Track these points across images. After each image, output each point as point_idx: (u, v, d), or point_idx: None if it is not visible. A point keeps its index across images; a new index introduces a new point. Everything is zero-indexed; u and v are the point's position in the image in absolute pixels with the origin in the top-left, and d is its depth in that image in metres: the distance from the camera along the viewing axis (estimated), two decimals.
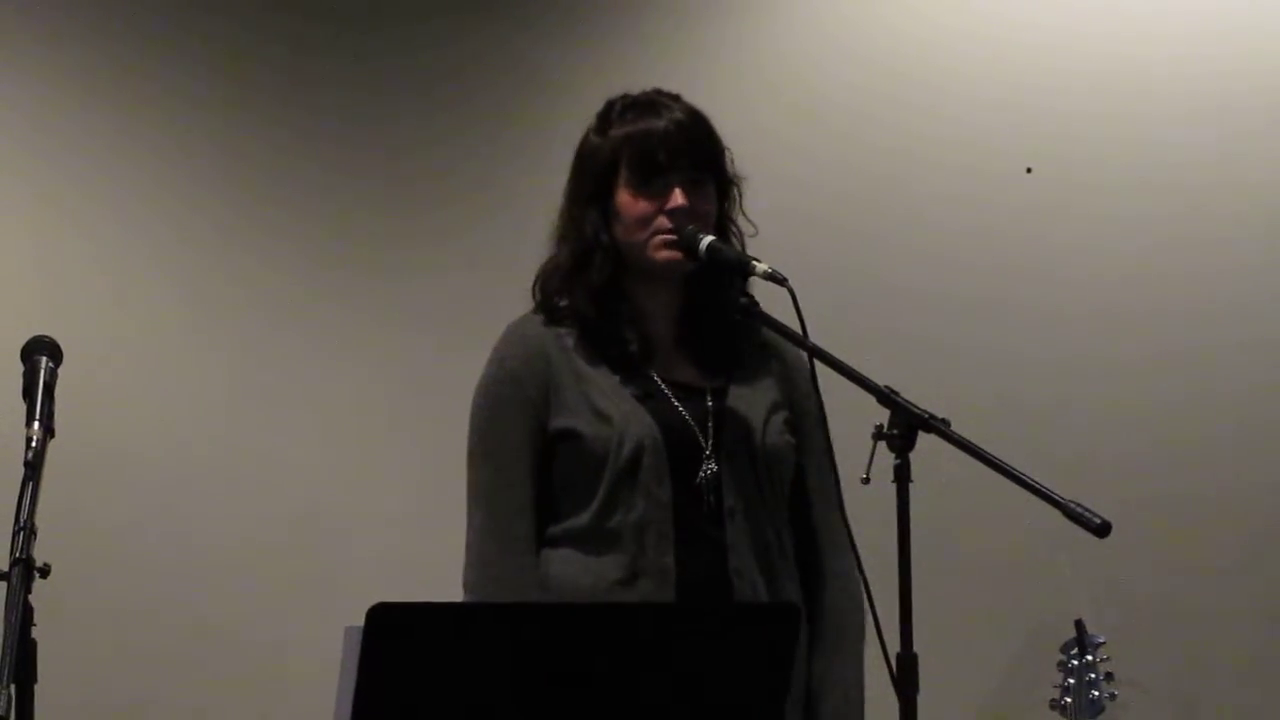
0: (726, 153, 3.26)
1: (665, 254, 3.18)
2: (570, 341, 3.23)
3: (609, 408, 3.18)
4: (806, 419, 3.27)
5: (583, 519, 3.18)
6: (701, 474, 3.18)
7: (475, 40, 5.04)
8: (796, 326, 3.12)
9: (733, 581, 3.15)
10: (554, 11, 5.05)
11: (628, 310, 3.23)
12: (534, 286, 3.28)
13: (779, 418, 3.25)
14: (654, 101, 3.24)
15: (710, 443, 3.19)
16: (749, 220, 3.29)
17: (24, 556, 2.70)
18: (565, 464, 3.20)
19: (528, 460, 3.20)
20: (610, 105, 3.28)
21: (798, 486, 3.28)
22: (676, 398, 3.21)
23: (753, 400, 3.24)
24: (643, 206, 3.18)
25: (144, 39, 5.00)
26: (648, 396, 3.20)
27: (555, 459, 3.21)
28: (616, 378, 3.21)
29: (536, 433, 3.20)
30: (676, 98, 3.27)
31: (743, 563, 3.16)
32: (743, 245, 3.27)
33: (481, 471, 3.22)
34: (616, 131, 3.22)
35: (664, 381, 3.23)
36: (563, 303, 3.24)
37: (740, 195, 3.28)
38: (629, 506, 3.16)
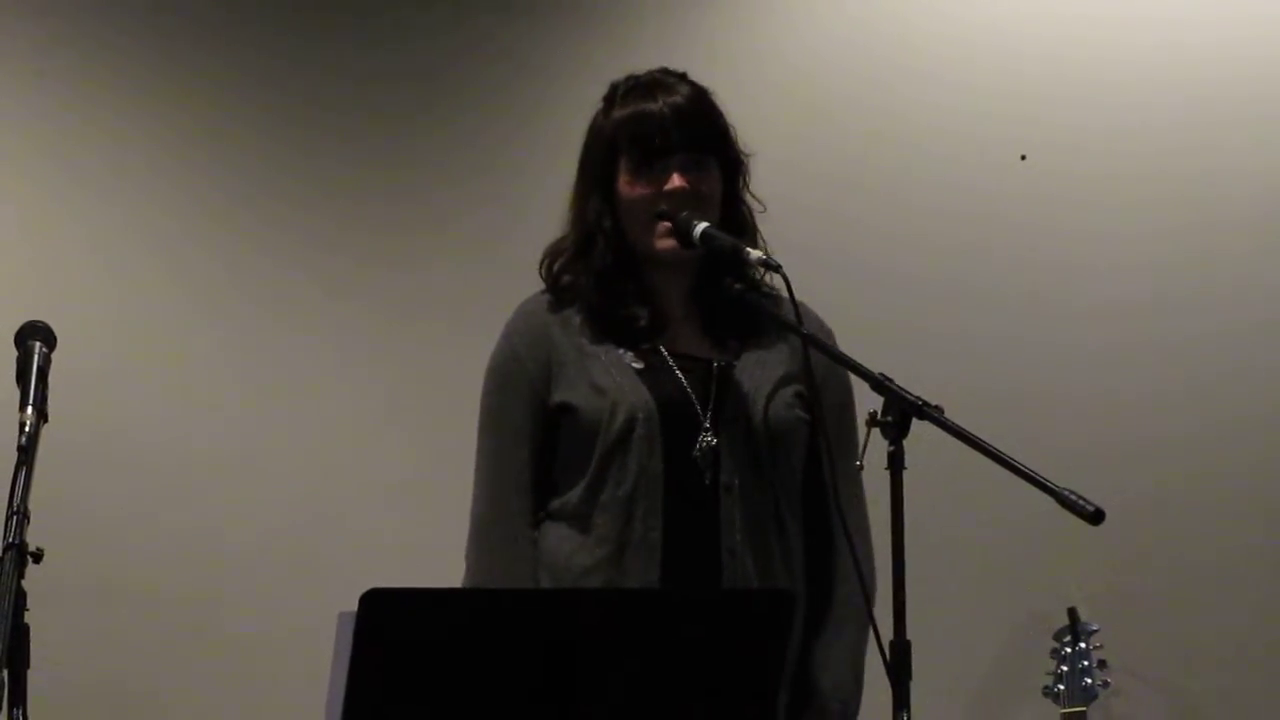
0: (731, 130, 3.25)
1: (665, 243, 3.18)
2: (576, 319, 3.23)
3: (605, 381, 3.18)
4: (824, 396, 3.24)
5: (576, 492, 3.19)
6: (698, 446, 3.17)
7: (470, 29, 5.03)
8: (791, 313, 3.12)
9: (723, 560, 3.14)
10: (551, 1, 5.04)
11: (636, 288, 3.22)
12: (541, 265, 3.29)
13: (788, 391, 3.22)
14: (655, 82, 3.24)
15: (709, 415, 3.19)
16: (755, 199, 3.28)
17: (17, 541, 2.70)
18: (564, 439, 3.21)
19: (529, 436, 3.22)
20: (614, 88, 3.28)
21: (811, 464, 3.26)
22: (681, 369, 3.20)
23: (761, 373, 3.22)
24: (641, 190, 3.19)
25: (138, 26, 4.98)
26: (649, 369, 3.19)
27: (558, 433, 3.22)
28: (621, 351, 3.21)
29: (538, 410, 3.22)
30: (682, 76, 3.26)
31: (734, 541, 3.15)
32: (753, 223, 3.26)
33: (485, 445, 3.26)
34: (616, 114, 3.22)
35: (671, 354, 3.22)
36: (569, 280, 3.25)
37: (748, 171, 3.27)
38: (619, 479, 3.16)
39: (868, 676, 3.23)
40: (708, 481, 3.16)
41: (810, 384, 3.22)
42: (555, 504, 3.22)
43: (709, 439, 3.17)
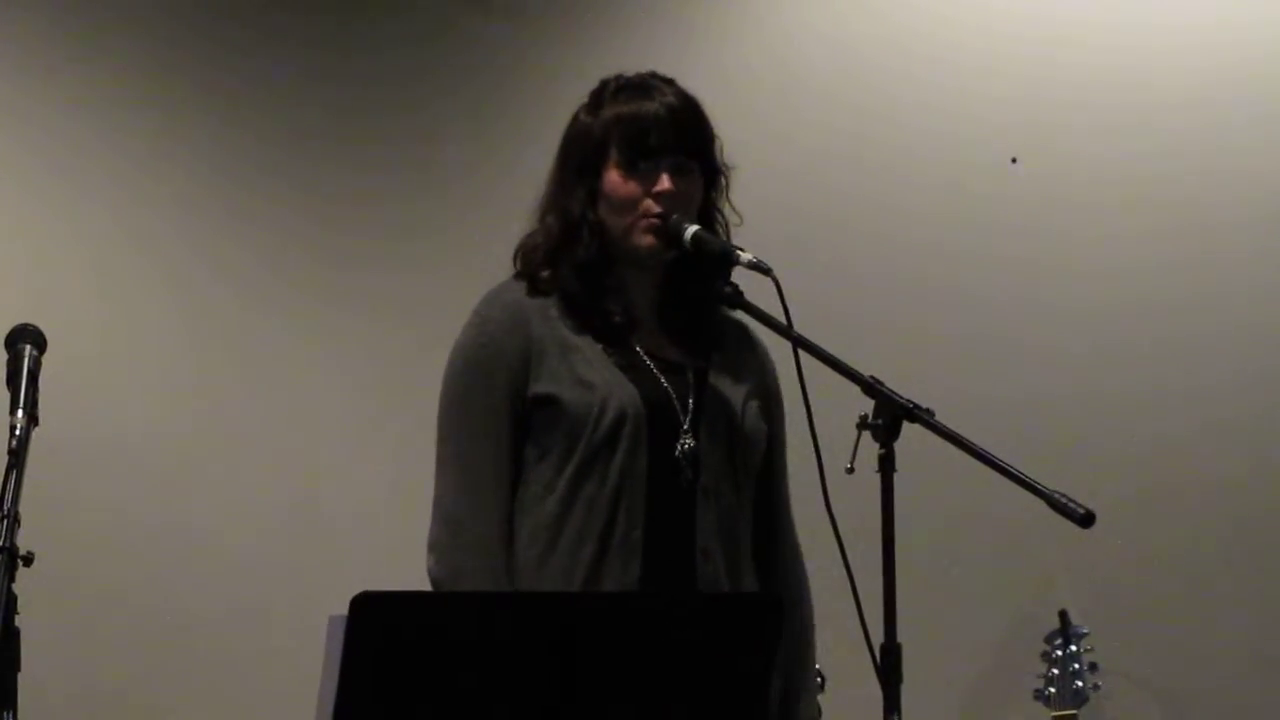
0: (716, 141, 3.26)
1: (647, 239, 3.18)
2: (554, 311, 3.21)
3: (592, 375, 3.17)
4: (773, 411, 3.29)
5: (556, 486, 3.16)
6: (679, 448, 3.18)
7: (457, 34, 5.03)
8: (781, 316, 3.12)
9: (697, 561, 3.14)
10: (537, 5, 5.05)
11: (614, 284, 3.22)
12: (515, 258, 3.28)
13: (754, 404, 3.25)
14: (647, 84, 3.24)
15: (689, 418, 3.19)
16: (734, 210, 3.29)
17: (7, 545, 2.70)
18: (542, 430, 3.17)
19: (505, 424, 3.17)
20: (604, 85, 3.27)
21: (762, 475, 3.28)
22: (659, 370, 3.21)
23: (733, 383, 3.25)
24: (630, 188, 3.18)
25: (129, 31, 4.99)
26: (630, 367, 3.19)
27: (532, 425, 3.18)
28: (600, 347, 3.20)
29: (515, 398, 3.17)
30: (670, 81, 3.26)
31: (709, 543, 3.16)
32: (727, 234, 3.27)
33: (457, 434, 3.18)
34: (608, 112, 3.22)
35: (647, 355, 3.22)
36: (546, 274, 3.23)
37: (728, 184, 3.28)
38: (603, 476, 3.14)
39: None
40: (685, 484, 3.17)
41: (778, 394, 3.27)
42: (527, 497, 3.18)
43: (689, 441, 3.18)
